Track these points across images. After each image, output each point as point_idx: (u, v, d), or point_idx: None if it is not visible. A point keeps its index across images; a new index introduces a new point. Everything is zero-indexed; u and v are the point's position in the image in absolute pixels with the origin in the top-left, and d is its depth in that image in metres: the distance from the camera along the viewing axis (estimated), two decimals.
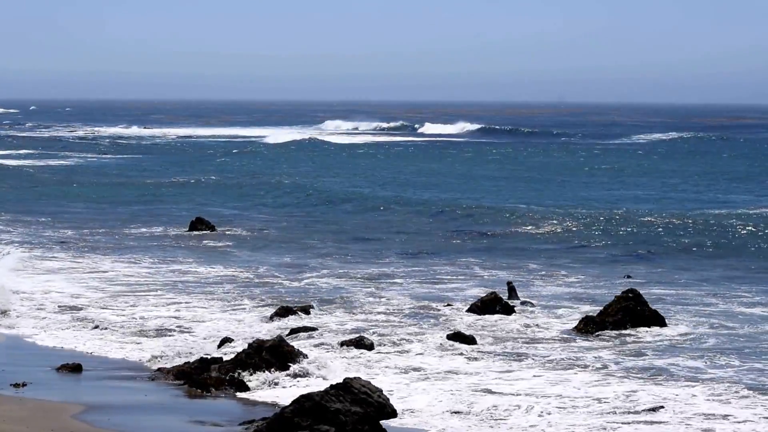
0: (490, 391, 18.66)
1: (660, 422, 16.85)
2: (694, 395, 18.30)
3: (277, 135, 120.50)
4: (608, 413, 17.32)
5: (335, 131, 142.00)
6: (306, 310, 25.25)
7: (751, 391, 18.54)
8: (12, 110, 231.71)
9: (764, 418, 17.09)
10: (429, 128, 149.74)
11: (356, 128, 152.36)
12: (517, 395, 18.42)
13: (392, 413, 16.09)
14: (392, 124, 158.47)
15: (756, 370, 20.31)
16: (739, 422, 16.88)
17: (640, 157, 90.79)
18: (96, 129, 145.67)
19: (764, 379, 19.54)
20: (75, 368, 19.99)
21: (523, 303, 26.87)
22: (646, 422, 16.85)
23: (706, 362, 20.88)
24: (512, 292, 27.41)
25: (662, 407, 17.58)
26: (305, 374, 19.39)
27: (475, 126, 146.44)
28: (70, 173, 70.58)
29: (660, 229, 41.70)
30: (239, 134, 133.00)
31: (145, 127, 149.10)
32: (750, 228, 41.71)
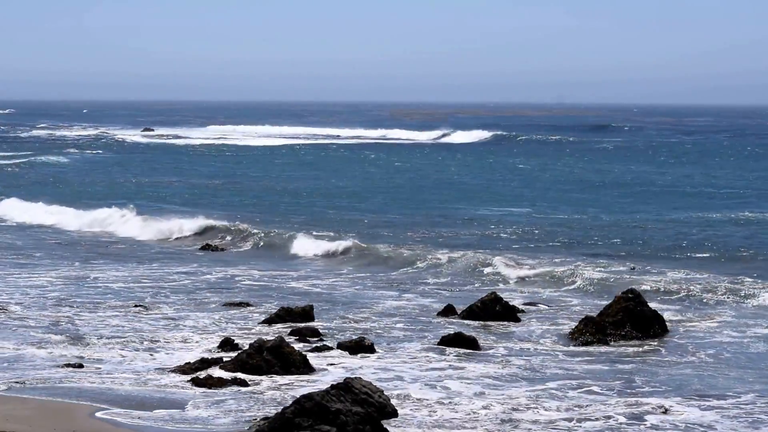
0: (487, 395, 18.76)
1: None
2: (685, 410, 17.87)
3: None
4: (595, 425, 17.21)
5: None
6: (307, 311, 25.31)
7: (742, 407, 18.10)
8: None
9: None
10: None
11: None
12: (513, 398, 18.51)
13: (393, 413, 16.16)
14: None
15: (752, 382, 19.79)
16: None
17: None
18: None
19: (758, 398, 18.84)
20: (78, 367, 20.10)
21: (527, 305, 27.02)
22: None
23: (700, 372, 20.62)
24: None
25: (665, 410, 17.61)
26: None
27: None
28: None
29: (669, 234, 41.34)
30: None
31: None
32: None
